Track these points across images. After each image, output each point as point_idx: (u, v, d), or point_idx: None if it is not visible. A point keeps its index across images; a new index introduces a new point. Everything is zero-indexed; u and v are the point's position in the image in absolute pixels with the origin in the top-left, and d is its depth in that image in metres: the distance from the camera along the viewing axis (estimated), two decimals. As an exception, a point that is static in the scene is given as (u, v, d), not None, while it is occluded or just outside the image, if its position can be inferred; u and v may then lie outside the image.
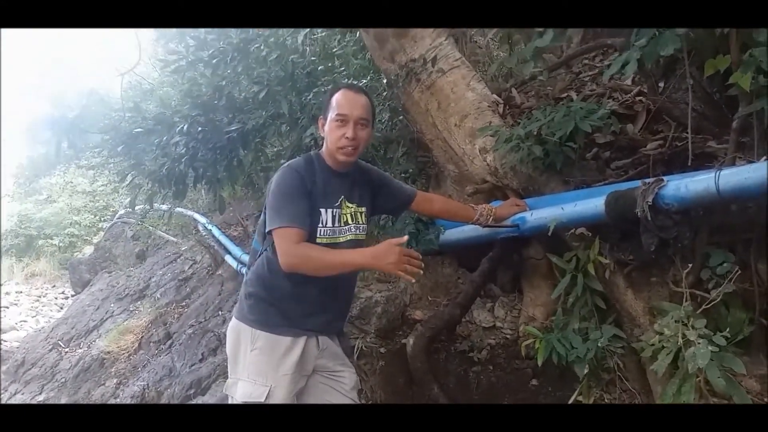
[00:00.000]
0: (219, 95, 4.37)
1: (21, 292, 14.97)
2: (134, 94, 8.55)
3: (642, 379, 2.51)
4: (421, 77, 3.37)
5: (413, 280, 1.96)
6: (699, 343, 2.03)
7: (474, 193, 3.22)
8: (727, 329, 2.08)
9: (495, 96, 3.39)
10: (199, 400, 3.99)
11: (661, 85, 2.95)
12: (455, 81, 3.32)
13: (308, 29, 4.34)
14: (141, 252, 10.09)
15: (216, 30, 4.47)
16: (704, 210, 2.20)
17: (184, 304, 6.34)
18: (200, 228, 7.39)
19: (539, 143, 2.71)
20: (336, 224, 2.12)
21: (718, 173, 1.92)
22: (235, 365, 2.17)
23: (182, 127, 4.21)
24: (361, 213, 2.22)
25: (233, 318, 2.23)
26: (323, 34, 4.54)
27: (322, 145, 2.19)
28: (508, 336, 3.19)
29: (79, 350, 6.72)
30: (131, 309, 7.19)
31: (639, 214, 2.12)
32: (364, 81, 4.15)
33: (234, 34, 4.42)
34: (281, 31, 4.47)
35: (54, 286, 15.48)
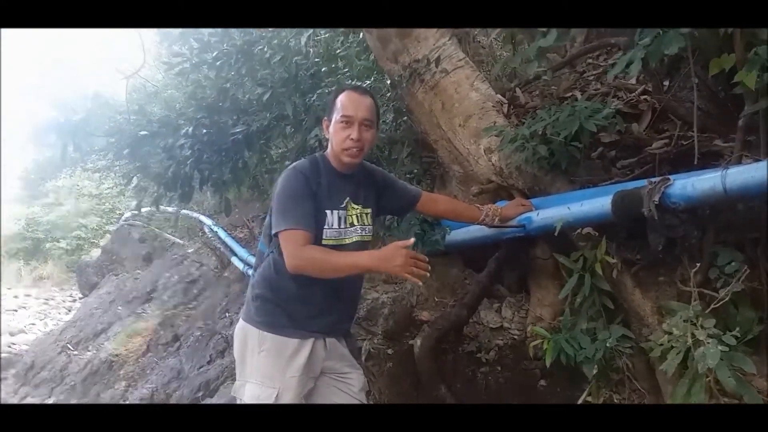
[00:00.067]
0: (223, 97, 4.38)
1: (29, 295, 15.05)
2: (139, 97, 8.56)
3: (651, 379, 2.50)
4: (424, 78, 3.36)
5: (420, 283, 1.96)
6: (708, 343, 2.01)
7: (479, 193, 3.22)
8: (737, 328, 2.07)
9: (499, 96, 3.38)
10: (208, 402, 3.99)
11: (666, 83, 2.94)
12: (459, 81, 3.32)
13: (311, 31, 4.34)
14: (148, 254, 10.12)
15: (219, 32, 4.47)
16: (711, 209, 2.19)
17: (191, 306, 6.36)
18: (206, 230, 7.41)
19: (544, 143, 2.70)
20: (342, 226, 2.12)
21: (724, 172, 1.91)
22: (243, 368, 2.18)
23: (187, 130, 4.21)
24: (366, 214, 2.22)
25: (240, 320, 2.23)
26: (326, 35, 4.53)
27: (327, 146, 2.19)
28: (515, 336, 3.18)
29: (88, 353, 6.75)
30: (139, 311, 7.21)
31: (646, 213, 2.11)
32: (368, 82, 4.14)
33: (237, 36, 4.42)
34: (284, 32, 4.47)
35: (62, 289, 15.57)
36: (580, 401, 2.63)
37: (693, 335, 2.08)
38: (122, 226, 12.10)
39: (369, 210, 2.23)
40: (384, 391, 2.97)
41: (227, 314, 5.26)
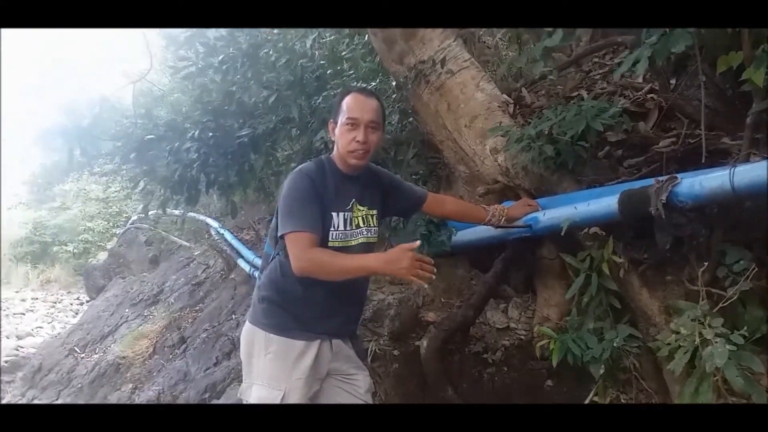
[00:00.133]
0: (229, 101, 4.40)
1: (37, 298, 15.16)
2: (145, 101, 8.61)
3: (659, 379, 2.49)
4: (430, 79, 3.36)
5: (426, 285, 1.96)
6: (716, 342, 2.00)
7: (485, 193, 3.21)
8: (745, 327, 2.05)
9: (505, 96, 3.38)
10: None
11: (673, 82, 2.93)
12: (464, 82, 3.32)
13: (316, 33, 4.35)
14: (154, 257, 10.17)
15: (225, 36, 4.50)
16: (719, 207, 2.18)
17: (197, 308, 6.38)
18: (213, 232, 7.43)
19: (550, 143, 2.69)
20: (347, 227, 2.12)
21: (732, 170, 1.90)
22: (250, 370, 2.18)
23: (193, 133, 4.23)
24: (372, 216, 2.22)
25: (247, 322, 2.24)
26: (331, 37, 4.55)
27: (333, 148, 2.19)
28: (522, 337, 3.17)
29: (95, 356, 6.78)
30: (145, 314, 7.25)
31: (653, 212, 2.10)
32: (373, 84, 4.15)
33: (243, 39, 4.44)
34: (290, 35, 4.49)
35: (69, 292, 15.67)
36: (587, 401, 2.62)
37: (701, 334, 2.07)
38: (129, 230, 12.17)
39: (374, 211, 2.23)
40: (390, 393, 2.97)
41: (233, 316, 5.27)
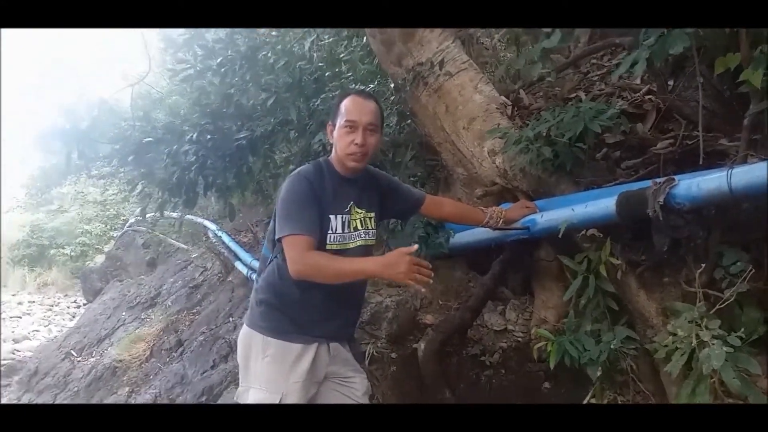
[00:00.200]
0: (227, 103, 4.39)
1: (33, 301, 15.13)
2: (143, 104, 8.60)
3: (656, 381, 2.48)
4: (428, 81, 3.36)
5: (423, 289, 1.96)
6: (713, 344, 2.00)
7: (483, 195, 3.21)
8: (742, 329, 2.05)
9: (503, 98, 3.38)
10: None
11: (671, 83, 2.93)
12: (463, 84, 3.32)
13: (315, 36, 4.35)
14: (152, 260, 10.16)
15: (223, 38, 4.50)
16: (716, 209, 2.18)
17: (195, 311, 6.36)
18: (210, 235, 7.42)
19: (548, 144, 2.70)
20: (345, 230, 2.12)
21: (730, 171, 1.90)
22: (247, 373, 2.18)
23: (191, 136, 4.23)
24: (370, 218, 2.21)
25: (244, 325, 2.23)
26: (330, 40, 4.55)
27: (331, 151, 2.19)
28: (519, 339, 3.17)
29: (92, 359, 6.76)
30: (142, 317, 7.22)
31: (650, 214, 2.10)
32: (372, 86, 4.15)
33: (241, 42, 4.44)
34: (288, 37, 4.49)
35: (66, 295, 15.65)
36: (584, 403, 2.62)
37: (698, 336, 2.07)
38: (126, 232, 12.16)
39: (372, 214, 2.23)
40: (388, 395, 2.96)
41: (231, 319, 5.26)
